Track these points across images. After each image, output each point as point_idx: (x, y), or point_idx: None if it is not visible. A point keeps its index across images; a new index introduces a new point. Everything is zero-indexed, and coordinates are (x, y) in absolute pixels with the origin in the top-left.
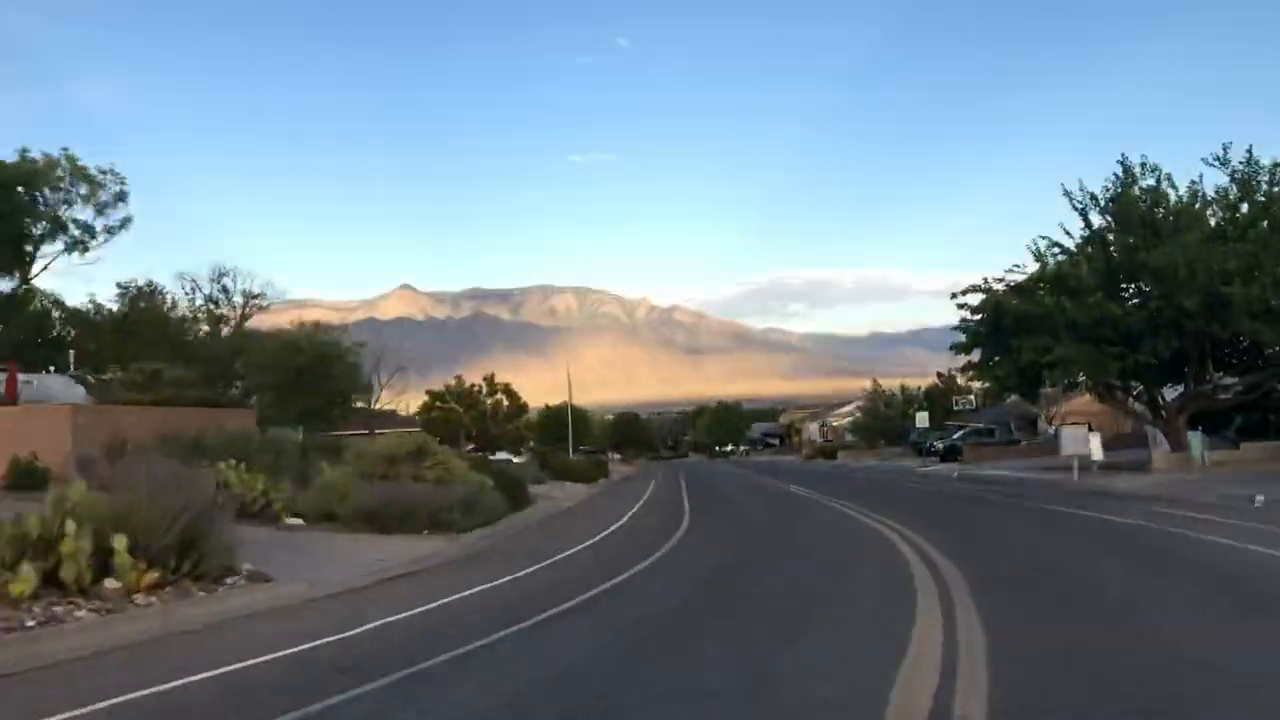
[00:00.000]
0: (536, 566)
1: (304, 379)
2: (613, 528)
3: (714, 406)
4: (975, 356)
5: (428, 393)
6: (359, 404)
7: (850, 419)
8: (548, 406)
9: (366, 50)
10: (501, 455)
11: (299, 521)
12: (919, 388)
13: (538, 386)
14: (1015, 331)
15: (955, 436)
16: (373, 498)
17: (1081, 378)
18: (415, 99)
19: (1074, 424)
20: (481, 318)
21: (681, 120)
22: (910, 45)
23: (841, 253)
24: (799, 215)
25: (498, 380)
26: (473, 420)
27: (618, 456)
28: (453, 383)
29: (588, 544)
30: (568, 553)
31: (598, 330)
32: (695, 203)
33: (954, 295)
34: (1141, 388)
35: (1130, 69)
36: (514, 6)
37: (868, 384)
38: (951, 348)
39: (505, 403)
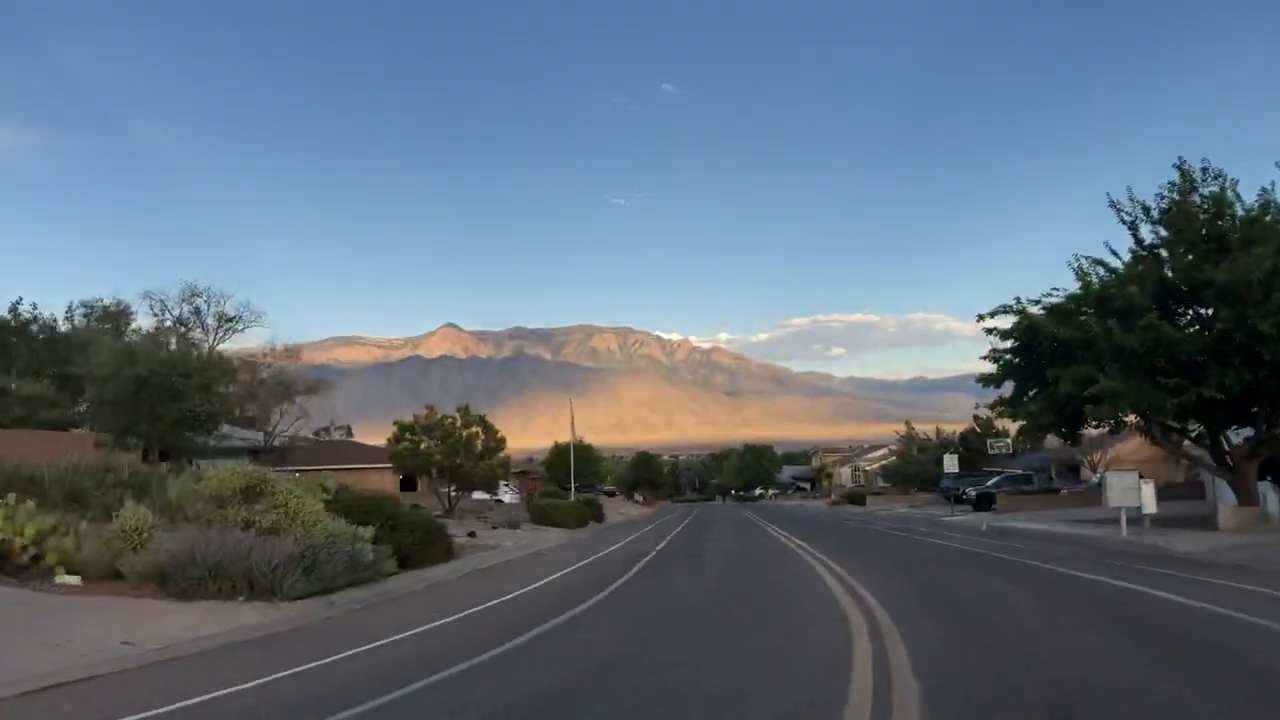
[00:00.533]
0: (356, 650)
1: (145, 395)
2: (527, 589)
3: (740, 448)
4: (1008, 391)
5: (395, 423)
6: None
7: (882, 463)
8: (557, 444)
9: (413, 92)
10: (479, 495)
11: (74, 580)
12: (954, 432)
13: (577, 425)
14: (1052, 360)
15: (989, 483)
16: (170, 550)
17: (1130, 416)
18: (461, 139)
19: (1121, 470)
20: (523, 357)
21: (724, 163)
22: (955, 85)
23: (884, 297)
24: (841, 258)
25: (515, 417)
26: (444, 454)
27: (640, 499)
28: (424, 413)
29: (469, 612)
30: (422, 629)
31: (638, 371)
32: (737, 245)
33: (980, 317)
34: (1200, 428)
35: (1185, 87)
36: (560, 50)
37: (902, 428)
38: (979, 380)
39: (481, 436)
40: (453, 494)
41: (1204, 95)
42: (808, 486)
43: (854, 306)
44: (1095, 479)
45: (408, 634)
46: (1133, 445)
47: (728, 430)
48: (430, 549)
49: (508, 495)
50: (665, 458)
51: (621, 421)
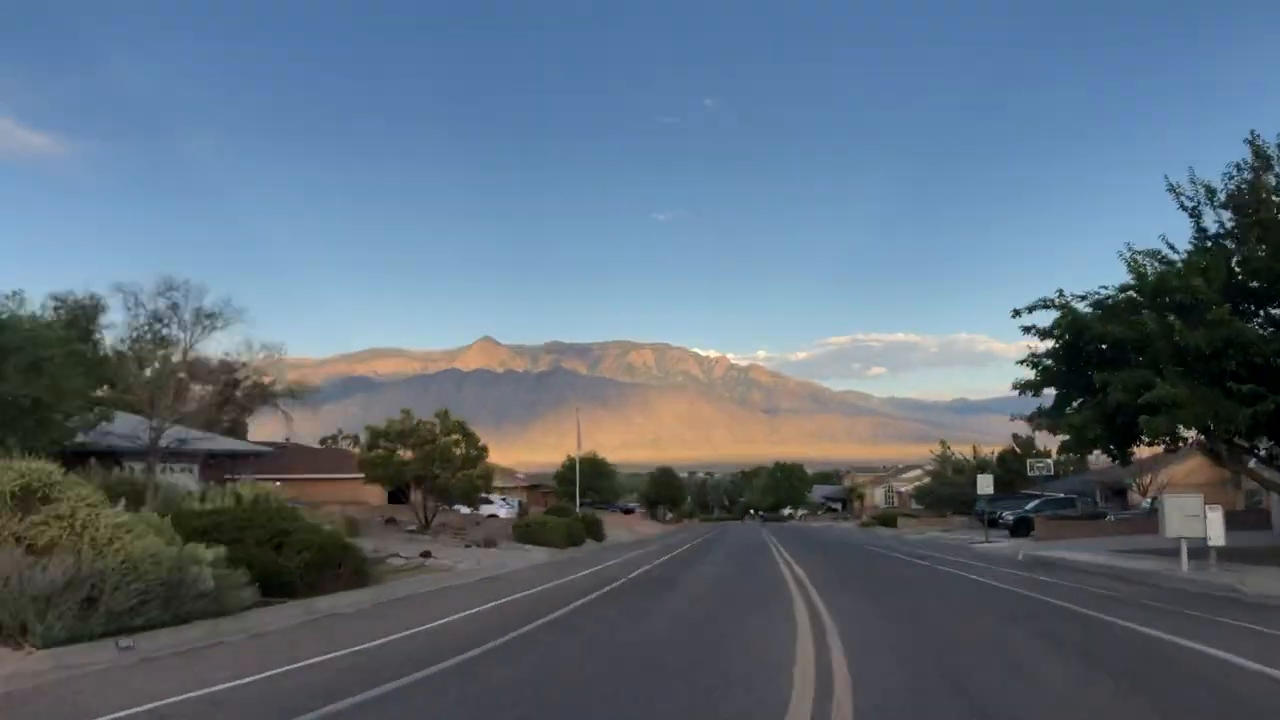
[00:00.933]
0: None
1: None
2: (420, 628)
3: (771, 466)
4: (1048, 401)
5: (367, 428)
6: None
7: (916, 485)
8: (570, 458)
9: (456, 107)
10: (483, 509)
11: None
12: (992, 452)
13: (610, 440)
14: (1100, 363)
15: (1028, 507)
16: None
17: (1190, 431)
18: (502, 154)
19: (1181, 494)
20: (560, 371)
21: (766, 180)
22: (1003, 105)
23: (925, 316)
24: (882, 277)
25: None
26: (419, 463)
27: (670, 516)
28: (400, 418)
29: (288, 668)
30: (203, 691)
31: (675, 387)
32: (776, 262)
33: (1016, 313)
34: (1273, 444)
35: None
36: (604, 65)
37: (936, 447)
38: (1015, 387)
39: (461, 445)
40: (429, 507)
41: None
42: (839, 507)
43: (894, 326)
44: (1145, 504)
45: (142, 708)
46: (1187, 468)
47: (764, 449)
48: (328, 573)
49: (504, 510)
50: (701, 475)
51: (658, 438)
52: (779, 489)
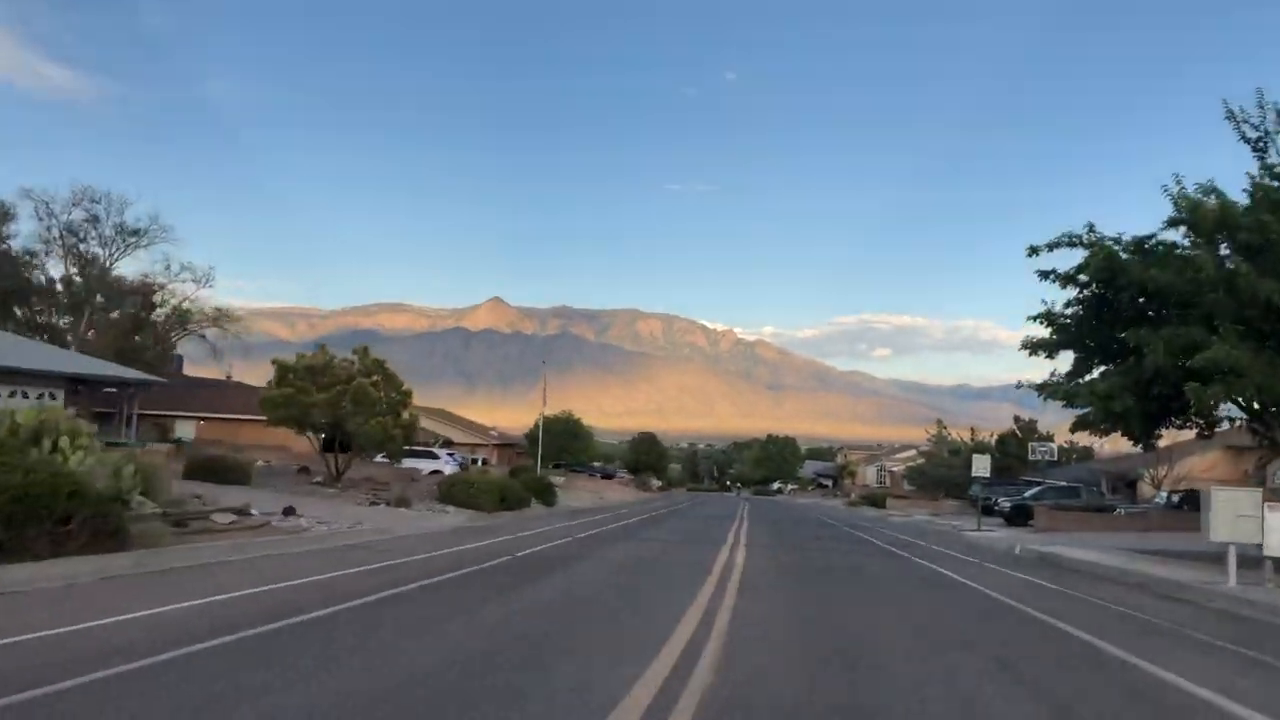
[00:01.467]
0: None
1: None
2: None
3: (763, 439)
4: (1063, 365)
5: (274, 362)
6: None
7: (909, 465)
8: (545, 416)
9: (478, 67)
10: (413, 463)
11: None
12: (992, 435)
13: (615, 407)
14: (1136, 318)
15: (1027, 494)
16: None
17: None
18: (521, 115)
19: (1231, 488)
20: (567, 336)
21: (781, 156)
22: (1019, 94)
23: (933, 301)
24: (892, 260)
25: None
26: (328, 404)
27: (659, 483)
28: (314, 354)
29: None
30: None
31: (681, 358)
32: (788, 239)
33: (1033, 251)
34: None
35: None
36: (625, 35)
37: (933, 428)
38: (1024, 347)
39: (381, 387)
40: (339, 458)
41: None
42: (829, 484)
43: (902, 308)
44: (1160, 498)
45: None
46: (1209, 460)
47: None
48: (37, 530)
49: (450, 466)
50: (702, 446)
51: (662, 408)
52: (770, 462)
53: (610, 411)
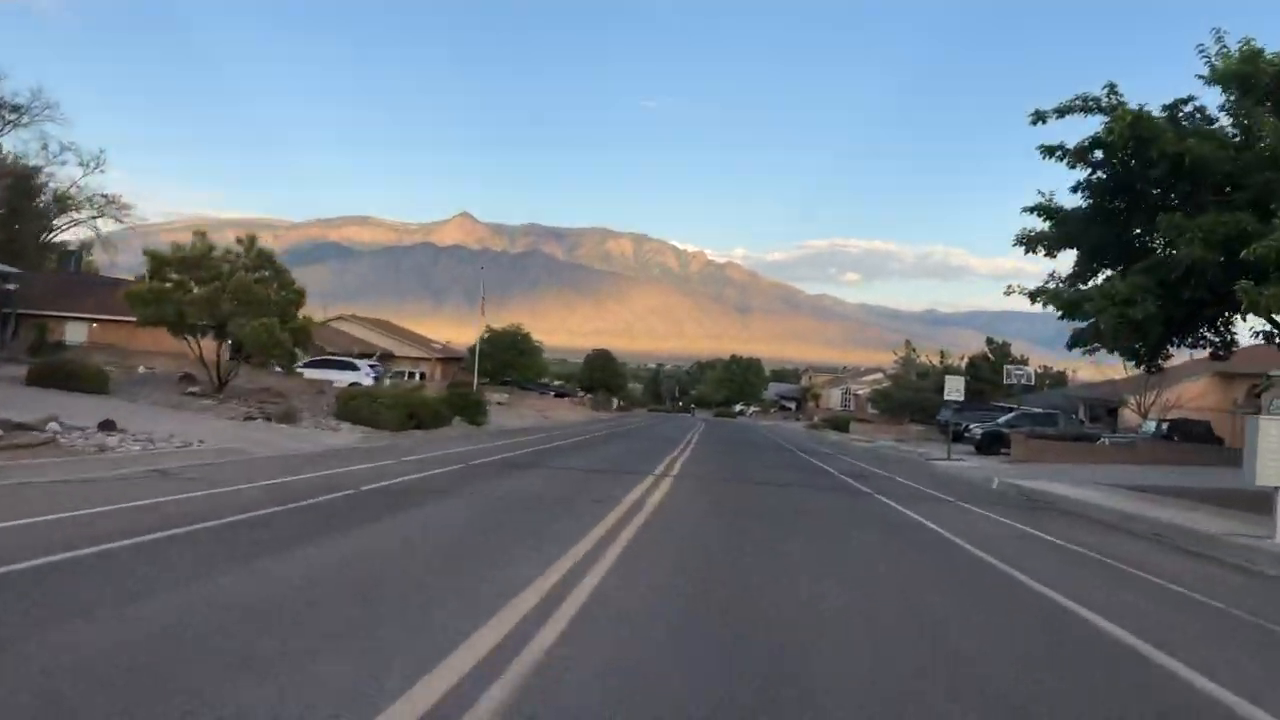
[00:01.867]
0: None
1: None
2: None
3: (726, 360)
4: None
5: (147, 253)
6: None
7: (875, 388)
8: (489, 330)
9: None
10: (340, 376)
11: None
12: (963, 357)
13: (584, 326)
14: (1163, 200)
15: (1001, 421)
16: None
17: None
18: (495, 27)
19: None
20: (537, 254)
21: (757, 77)
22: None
23: (903, 226)
24: (864, 183)
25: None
26: (206, 302)
27: (619, 404)
28: (193, 244)
29: None
30: None
31: (651, 279)
32: (761, 161)
33: (1038, 117)
34: None
35: None
36: None
37: (900, 351)
38: (1019, 242)
39: (273, 285)
40: (222, 365)
41: None
42: (793, 406)
43: (873, 233)
44: (1148, 427)
45: None
46: (1200, 387)
47: (734, 345)
48: None
49: (369, 378)
50: (669, 367)
51: (630, 328)
52: (734, 383)
53: (578, 331)
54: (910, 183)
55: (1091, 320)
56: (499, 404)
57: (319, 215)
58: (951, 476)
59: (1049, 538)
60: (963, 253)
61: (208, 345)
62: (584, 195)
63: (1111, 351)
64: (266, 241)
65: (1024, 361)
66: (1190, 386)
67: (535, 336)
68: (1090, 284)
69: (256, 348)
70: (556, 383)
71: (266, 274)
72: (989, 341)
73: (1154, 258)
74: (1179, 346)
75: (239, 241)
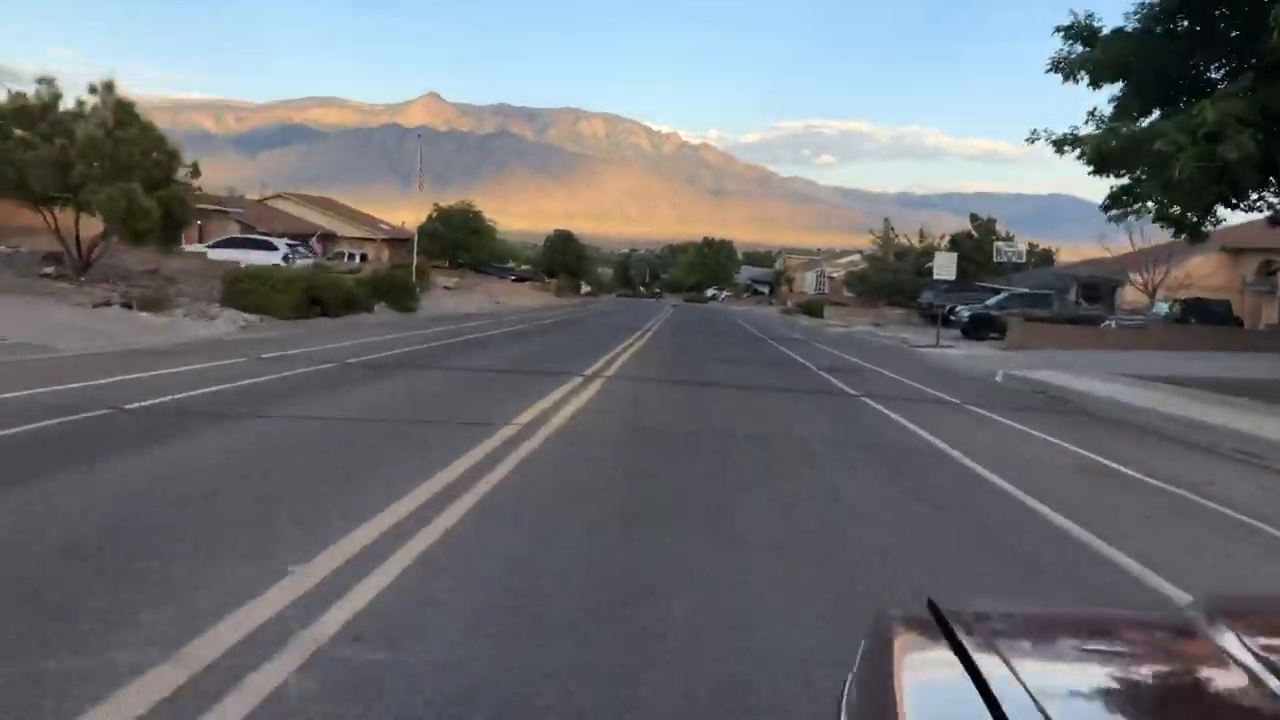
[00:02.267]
0: None
1: None
2: None
3: (699, 243)
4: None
5: None
6: None
7: (851, 270)
8: (437, 208)
9: None
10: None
11: None
12: (943, 238)
13: (556, 209)
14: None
15: (990, 302)
16: None
17: None
18: None
19: None
20: (506, 135)
21: None
22: None
23: (879, 106)
24: (840, 62)
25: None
26: (53, 162)
27: (587, 289)
28: (37, 86)
29: None
30: None
31: (623, 161)
32: (737, 37)
33: None
34: None
35: None
36: None
37: (879, 229)
38: (1053, 68)
39: (135, 144)
40: (81, 240)
41: None
42: (766, 291)
43: (848, 113)
44: (1159, 308)
45: None
46: (1212, 263)
47: (708, 229)
48: None
49: (300, 258)
50: (641, 251)
51: (603, 211)
52: (705, 267)
53: (550, 214)
54: (885, 58)
55: (1138, 173)
56: (446, 288)
57: (284, 97)
58: (945, 368)
59: (1093, 456)
60: (937, 132)
61: (65, 218)
62: (555, 74)
63: (1168, 207)
64: (229, 124)
65: (1010, 238)
66: (1202, 263)
67: (491, 217)
68: (1147, 123)
69: (114, 219)
70: (524, 267)
71: (132, 131)
72: (973, 218)
73: (1247, 76)
74: (1235, 208)
75: (92, 90)
